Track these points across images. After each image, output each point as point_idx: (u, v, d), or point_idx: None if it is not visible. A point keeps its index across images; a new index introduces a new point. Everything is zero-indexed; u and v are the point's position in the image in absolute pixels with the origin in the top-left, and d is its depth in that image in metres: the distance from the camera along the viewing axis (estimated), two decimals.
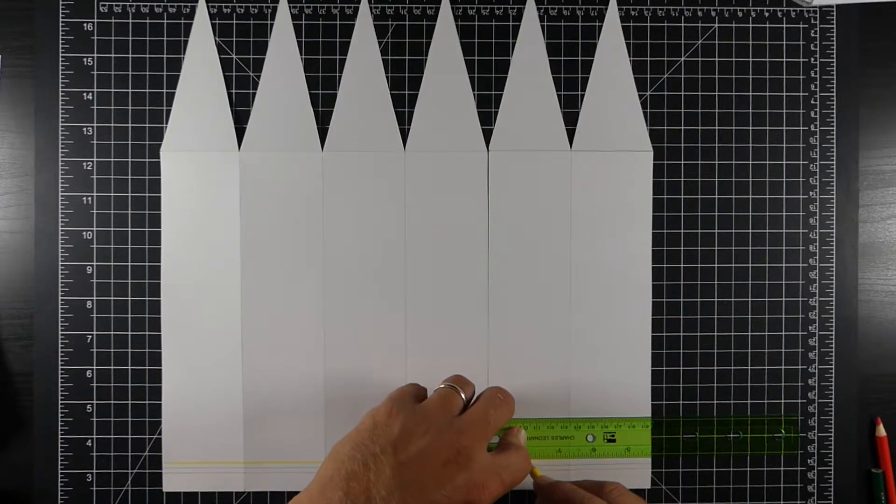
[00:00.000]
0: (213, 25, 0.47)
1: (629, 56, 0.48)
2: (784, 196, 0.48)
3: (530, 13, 0.48)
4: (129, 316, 0.47)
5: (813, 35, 0.48)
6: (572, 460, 0.47)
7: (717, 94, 0.48)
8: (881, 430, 0.48)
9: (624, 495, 0.42)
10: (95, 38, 0.47)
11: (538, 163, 0.47)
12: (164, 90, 0.47)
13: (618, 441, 0.47)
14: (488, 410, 0.41)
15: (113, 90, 0.47)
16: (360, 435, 0.39)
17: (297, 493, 0.47)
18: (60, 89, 0.47)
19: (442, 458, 0.38)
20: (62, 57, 0.47)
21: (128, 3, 0.47)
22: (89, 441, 0.47)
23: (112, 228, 0.47)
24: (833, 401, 0.48)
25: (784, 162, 0.48)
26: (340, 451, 0.38)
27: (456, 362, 0.47)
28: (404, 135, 0.47)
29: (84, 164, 0.47)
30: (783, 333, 0.48)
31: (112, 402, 0.47)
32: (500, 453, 0.41)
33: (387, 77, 0.47)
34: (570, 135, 0.47)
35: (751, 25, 0.48)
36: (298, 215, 0.47)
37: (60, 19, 0.47)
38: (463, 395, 0.42)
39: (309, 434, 0.47)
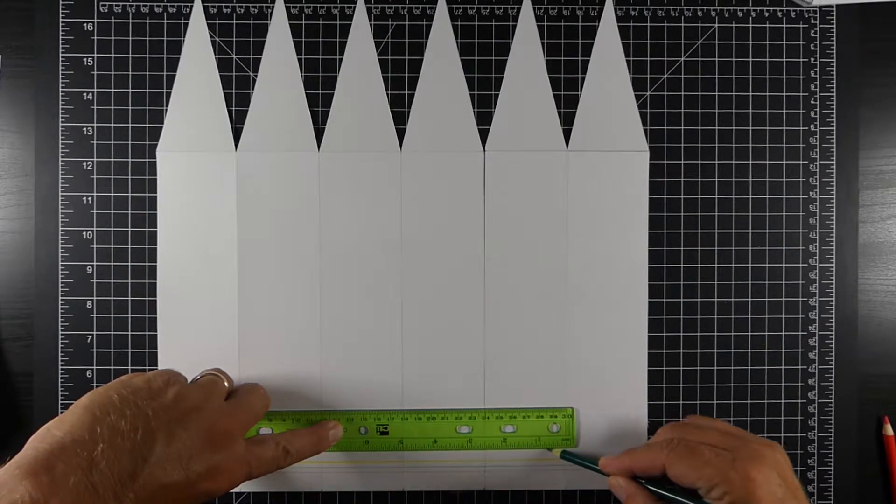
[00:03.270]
0: (213, 25, 0.47)
1: (629, 56, 0.48)
2: (784, 196, 0.48)
3: (527, 13, 0.48)
4: (129, 316, 0.47)
5: (813, 35, 0.48)
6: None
7: (716, 94, 0.48)
8: (889, 429, 0.48)
9: (675, 428, 0.42)
10: (95, 38, 0.47)
11: (535, 163, 0.47)
12: (164, 90, 0.47)
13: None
14: (254, 401, 0.42)
15: (113, 90, 0.47)
16: (130, 392, 0.37)
17: (296, 492, 0.47)
18: (60, 89, 0.47)
19: (208, 436, 0.37)
20: (62, 57, 0.47)
21: (127, 3, 0.47)
22: None
23: (112, 228, 0.47)
24: (833, 401, 0.48)
25: (784, 162, 0.48)
26: (104, 403, 0.35)
27: (452, 362, 0.47)
28: (401, 135, 0.47)
29: (84, 164, 0.47)
30: (783, 333, 0.48)
31: None
32: (255, 444, 0.40)
33: (385, 77, 0.47)
34: (567, 135, 0.47)
35: (751, 25, 0.48)
36: (295, 215, 0.47)
37: (60, 19, 0.47)
38: (226, 384, 0.43)
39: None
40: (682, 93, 0.48)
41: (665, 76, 0.48)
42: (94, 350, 0.47)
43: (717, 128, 0.48)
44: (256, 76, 0.47)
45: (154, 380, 0.38)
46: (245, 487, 0.47)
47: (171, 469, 0.35)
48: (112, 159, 0.47)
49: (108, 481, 0.33)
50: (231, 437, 0.39)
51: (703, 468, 0.38)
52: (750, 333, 0.48)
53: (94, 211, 0.47)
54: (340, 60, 0.47)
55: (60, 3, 0.47)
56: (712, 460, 0.38)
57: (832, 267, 0.48)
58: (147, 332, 0.47)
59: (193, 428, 0.37)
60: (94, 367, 0.47)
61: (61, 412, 0.46)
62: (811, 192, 0.48)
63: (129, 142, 0.47)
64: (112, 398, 0.36)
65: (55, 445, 0.33)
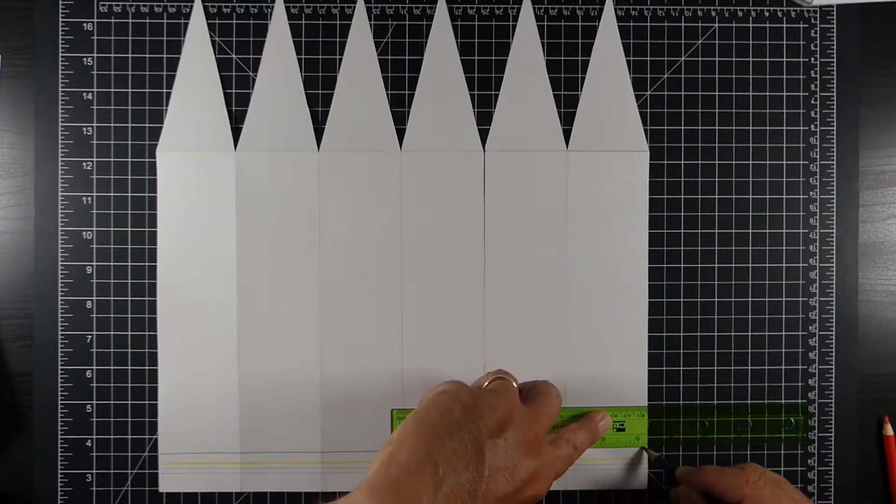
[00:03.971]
0: (213, 25, 0.47)
1: (629, 56, 0.48)
2: (784, 196, 0.48)
3: (527, 13, 0.48)
4: (129, 316, 0.47)
5: (813, 35, 0.48)
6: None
7: (717, 94, 0.48)
8: (889, 429, 0.48)
9: (764, 473, 0.42)
10: (95, 38, 0.47)
11: (534, 163, 0.47)
12: (164, 90, 0.47)
13: (627, 430, 0.47)
14: (551, 404, 0.41)
15: (112, 90, 0.47)
16: (447, 411, 0.37)
17: (295, 493, 0.47)
18: (60, 89, 0.47)
19: (524, 444, 0.38)
20: (62, 57, 0.47)
21: (127, 3, 0.47)
22: (89, 441, 0.47)
23: (112, 228, 0.47)
24: (833, 401, 0.48)
25: (784, 162, 0.48)
26: (432, 425, 0.36)
27: (453, 362, 0.47)
28: (401, 135, 0.47)
29: (84, 164, 0.47)
30: (783, 333, 0.48)
31: (112, 402, 0.47)
32: (552, 445, 0.41)
33: (385, 77, 0.47)
34: (567, 135, 0.47)
35: (751, 25, 0.48)
36: (295, 215, 0.47)
37: (60, 19, 0.47)
38: (515, 385, 0.42)
39: (305, 434, 0.47)
40: (682, 93, 0.48)
41: (665, 76, 0.48)
42: (94, 350, 0.47)
43: (717, 128, 0.48)
44: (256, 76, 0.47)
45: (459, 394, 0.38)
46: (247, 488, 0.47)
47: (503, 481, 0.36)
48: (112, 159, 0.47)
49: (452, 500, 0.34)
50: (541, 442, 0.39)
51: None
52: (750, 333, 0.48)
53: (94, 211, 0.47)
54: (340, 60, 0.47)
55: (60, 3, 0.47)
56: None
57: (832, 267, 0.48)
58: (147, 332, 0.47)
59: (511, 437, 0.37)
60: (94, 367, 0.47)
61: (61, 412, 0.46)
62: (811, 192, 0.48)
63: (129, 142, 0.47)
64: (436, 419, 0.36)
65: (402, 470, 0.34)
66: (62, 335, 0.47)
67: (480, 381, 0.43)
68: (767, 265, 0.48)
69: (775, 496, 0.40)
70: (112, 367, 0.47)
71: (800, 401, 0.48)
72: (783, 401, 0.48)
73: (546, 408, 0.41)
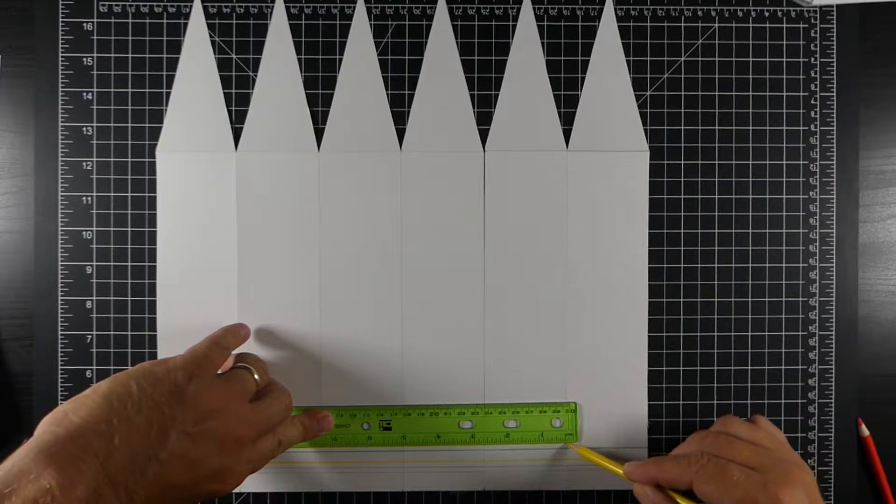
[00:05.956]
0: (213, 25, 0.47)
1: (629, 56, 0.48)
2: (784, 196, 0.48)
3: (527, 13, 0.48)
4: (129, 316, 0.47)
5: (813, 35, 0.48)
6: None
7: (717, 94, 0.48)
8: (864, 430, 0.48)
9: (704, 453, 0.40)
10: (95, 38, 0.47)
11: (534, 163, 0.47)
12: (164, 90, 0.47)
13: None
14: (276, 412, 0.40)
15: (112, 90, 0.47)
16: (149, 384, 0.36)
17: (296, 493, 0.47)
18: (60, 89, 0.47)
19: (221, 443, 0.37)
20: (62, 57, 0.47)
21: (127, 3, 0.47)
22: None
23: (112, 228, 0.47)
24: (833, 401, 0.48)
25: (784, 162, 0.48)
26: (122, 394, 0.35)
27: (452, 363, 0.47)
28: (401, 135, 0.47)
29: (84, 164, 0.47)
30: (783, 333, 0.48)
31: None
32: (256, 441, 0.39)
33: (385, 77, 0.47)
34: (567, 135, 0.47)
35: (751, 25, 0.48)
36: (295, 216, 0.47)
37: (60, 19, 0.47)
38: (256, 378, 0.41)
39: None
40: (682, 93, 0.48)
41: (665, 76, 0.48)
42: (94, 350, 0.47)
43: (717, 128, 0.48)
44: (256, 76, 0.47)
45: (176, 372, 0.37)
46: (246, 488, 0.47)
47: (180, 470, 0.35)
48: (112, 159, 0.47)
49: (122, 475, 0.33)
50: (244, 443, 0.38)
51: (732, 490, 0.37)
52: (750, 333, 0.48)
53: (94, 211, 0.47)
54: (340, 60, 0.47)
55: (60, 3, 0.47)
56: (741, 482, 0.37)
57: (832, 267, 0.48)
58: (147, 332, 0.47)
59: (208, 432, 0.36)
60: (94, 367, 0.47)
61: None
62: (811, 192, 0.48)
63: (129, 142, 0.47)
64: (131, 389, 0.35)
65: (74, 431, 0.33)
66: (62, 335, 0.47)
67: (225, 361, 0.42)
68: (767, 265, 0.48)
69: (719, 467, 0.38)
70: (112, 368, 0.47)
71: (799, 400, 0.48)
72: (783, 401, 0.48)
73: (265, 414, 0.40)
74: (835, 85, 0.48)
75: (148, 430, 0.34)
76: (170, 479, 0.35)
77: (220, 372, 0.41)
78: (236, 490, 0.46)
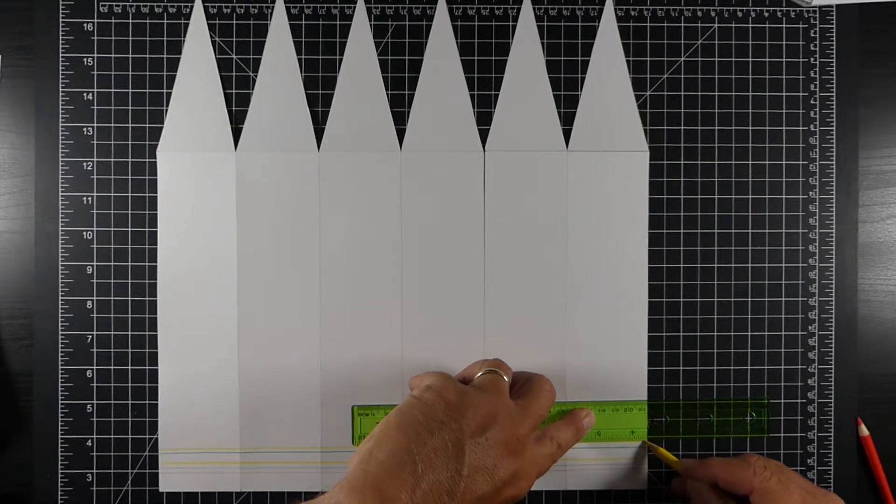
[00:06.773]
0: (213, 25, 0.47)
1: (629, 56, 0.48)
2: (784, 196, 0.48)
3: (527, 13, 0.48)
4: (129, 316, 0.47)
5: (813, 35, 0.48)
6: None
7: (716, 94, 0.48)
8: (864, 430, 0.48)
9: (769, 463, 0.42)
10: (95, 38, 0.47)
11: (534, 163, 0.47)
12: (164, 90, 0.47)
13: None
14: (542, 402, 0.41)
15: (113, 90, 0.47)
16: (430, 408, 0.37)
17: (294, 493, 0.47)
18: (60, 89, 0.47)
19: (506, 445, 0.38)
20: (62, 57, 0.47)
21: (128, 3, 0.47)
22: (89, 441, 0.47)
23: (112, 228, 0.47)
24: (833, 401, 0.48)
25: (784, 162, 0.48)
26: (413, 423, 0.36)
27: (452, 362, 0.47)
28: (401, 135, 0.47)
29: (84, 164, 0.47)
30: (783, 333, 0.48)
31: (112, 402, 0.47)
32: (535, 443, 0.40)
33: (385, 77, 0.47)
34: (567, 135, 0.47)
35: (751, 25, 0.48)
36: (295, 215, 0.47)
37: (60, 19, 0.47)
38: (506, 379, 0.42)
39: (305, 432, 0.47)
40: (682, 93, 0.48)
41: (665, 76, 0.48)
42: (94, 350, 0.47)
43: (717, 128, 0.48)
44: (256, 76, 0.47)
45: (445, 392, 0.38)
46: (245, 487, 0.47)
47: (482, 481, 0.36)
48: (112, 159, 0.47)
49: (430, 499, 0.34)
50: (524, 442, 0.39)
51: None
52: (750, 333, 0.48)
53: (94, 211, 0.47)
54: (340, 60, 0.47)
55: (60, 3, 0.47)
56: None
57: (832, 267, 0.48)
58: (147, 332, 0.47)
59: (493, 437, 0.37)
60: (94, 367, 0.47)
61: (61, 412, 0.46)
62: (811, 192, 0.48)
63: (129, 142, 0.47)
64: (418, 417, 0.36)
65: (381, 468, 0.34)
66: (62, 335, 0.47)
67: (473, 370, 0.43)
68: (767, 265, 0.48)
69: (782, 485, 0.40)
70: (112, 367, 0.47)
71: (799, 400, 0.48)
72: (783, 400, 0.48)
73: (535, 406, 0.41)
74: (834, 85, 0.48)
75: (445, 450, 0.35)
76: (475, 493, 0.36)
77: (472, 384, 0.41)
78: (237, 489, 0.47)
